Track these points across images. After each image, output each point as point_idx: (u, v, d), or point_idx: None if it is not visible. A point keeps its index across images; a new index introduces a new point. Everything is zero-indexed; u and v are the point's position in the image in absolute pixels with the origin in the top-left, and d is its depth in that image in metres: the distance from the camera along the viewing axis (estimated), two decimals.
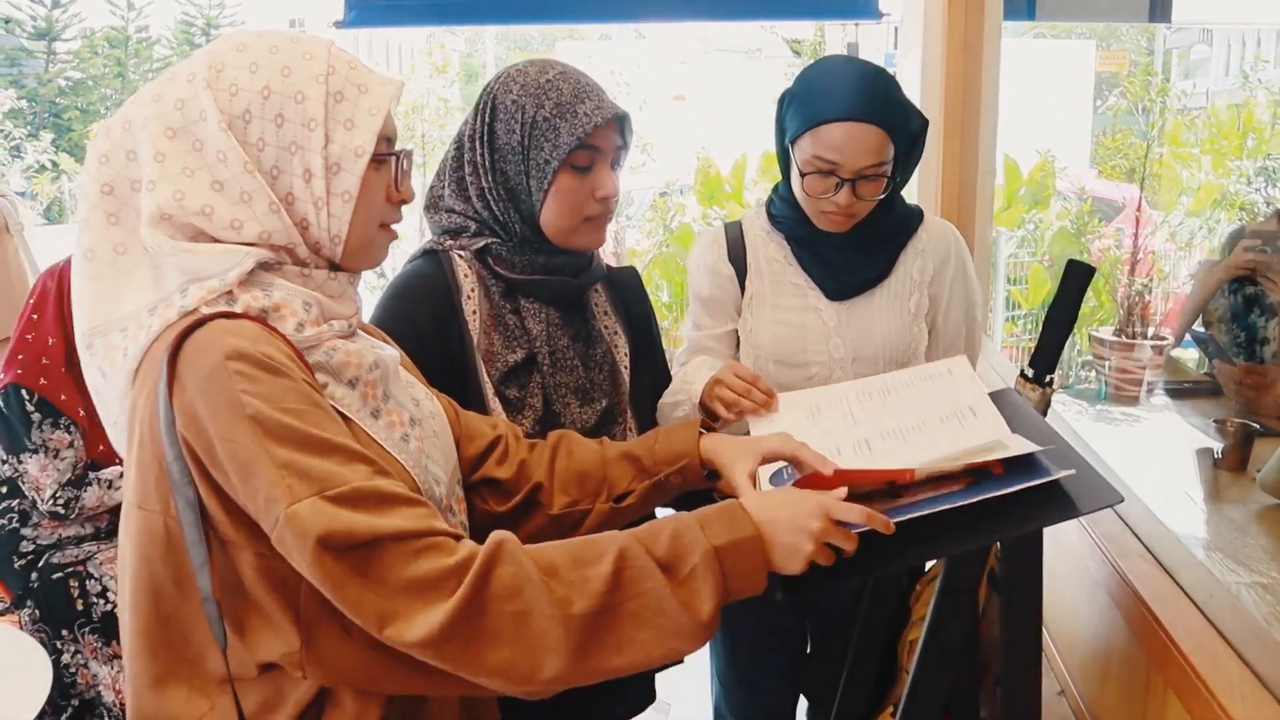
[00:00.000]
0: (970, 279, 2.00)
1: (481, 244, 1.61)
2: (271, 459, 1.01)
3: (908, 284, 1.93)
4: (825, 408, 1.57)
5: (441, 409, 1.37)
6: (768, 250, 1.95)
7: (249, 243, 1.12)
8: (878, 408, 1.54)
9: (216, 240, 1.12)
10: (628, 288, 1.81)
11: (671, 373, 1.92)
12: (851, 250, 1.90)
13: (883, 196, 1.81)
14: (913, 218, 1.96)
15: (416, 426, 1.23)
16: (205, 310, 1.08)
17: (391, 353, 1.26)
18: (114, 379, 1.14)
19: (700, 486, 1.45)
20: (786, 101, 1.85)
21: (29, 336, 2.73)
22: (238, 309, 1.09)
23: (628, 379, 1.72)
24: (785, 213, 1.92)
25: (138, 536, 1.08)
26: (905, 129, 1.80)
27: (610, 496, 1.41)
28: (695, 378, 1.73)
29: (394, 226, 1.26)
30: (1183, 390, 3.63)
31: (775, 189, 1.97)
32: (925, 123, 1.85)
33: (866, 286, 1.91)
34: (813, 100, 1.77)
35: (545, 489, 1.41)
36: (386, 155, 1.20)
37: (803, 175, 1.79)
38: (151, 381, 1.07)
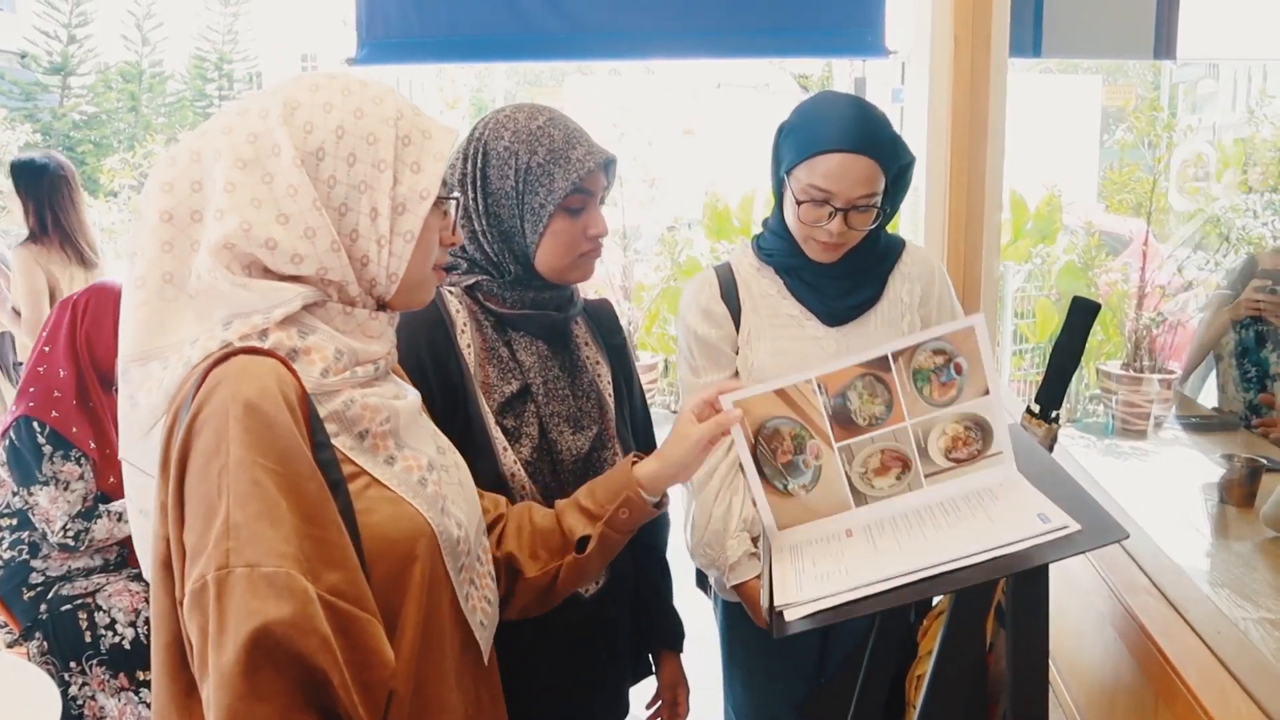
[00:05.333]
0: (954, 300, 2.06)
1: (472, 281, 1.65)
2: (224, 515, 1.00)
3: (899, 306, 1.98)
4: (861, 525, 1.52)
5: (465, 464, 1.39)
6: (760, 285, 1.99)
7: (305, 276, 1.15)
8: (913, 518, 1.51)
9: (270, 272, 1.14)
10: (603, 319, 1.85)
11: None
12: (842, 277, 1.94)
13: (872, 228, 1.87)
14: (895, 244, 2.02)
15: (434, 471, 1.23)
16: (236, 344, 1.10)
17: (410, 401, 1.27)
18: (144, 408, 1.15)
19: (651, 516, 1.46)
20: (783, 133, 1.91)
21: (41, 369, 2.75)
22: (267, 344, 1.11)
23: (612, 406, 1.75)
24: (775, 245, 1.96)
25: (158, 562, 1.08)
26: (895, 162, 1.85)
27: (571, 547, 1.44)
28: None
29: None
30: (1194, 425, 3.62)
31: (765, 223, 2.02)
32: (913, 159, 1.90)
33: (861, 310, 1.96)
34: (809, 132, 1.83)
35: (517, 558, 1.43)
36: (446, 198, 1.25)
37: (798, 204, 1.84)
38: (178, 409, 1.09)
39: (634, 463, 1.48)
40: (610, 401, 1.76)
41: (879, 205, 1.84)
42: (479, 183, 1.62)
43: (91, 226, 4.51)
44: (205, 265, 1.12)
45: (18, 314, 4.49)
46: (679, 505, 1.97)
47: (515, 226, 1.63)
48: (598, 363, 1.78)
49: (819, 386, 1.41)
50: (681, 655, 1.95)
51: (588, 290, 1.85)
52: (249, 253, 1.12)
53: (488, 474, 1.55)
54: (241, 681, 0.95)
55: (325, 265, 1.15)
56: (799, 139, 1.84)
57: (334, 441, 1.13)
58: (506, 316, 1.66)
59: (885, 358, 1.38)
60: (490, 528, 1.45)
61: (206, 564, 0.99)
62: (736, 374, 1.98)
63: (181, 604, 1.02)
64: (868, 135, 1.80)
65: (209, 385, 1.06)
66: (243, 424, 1.03)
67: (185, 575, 1.02)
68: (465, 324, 1.65)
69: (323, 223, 1.14)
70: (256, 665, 0.96)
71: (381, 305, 1.25)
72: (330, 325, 1.18)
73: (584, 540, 1.43)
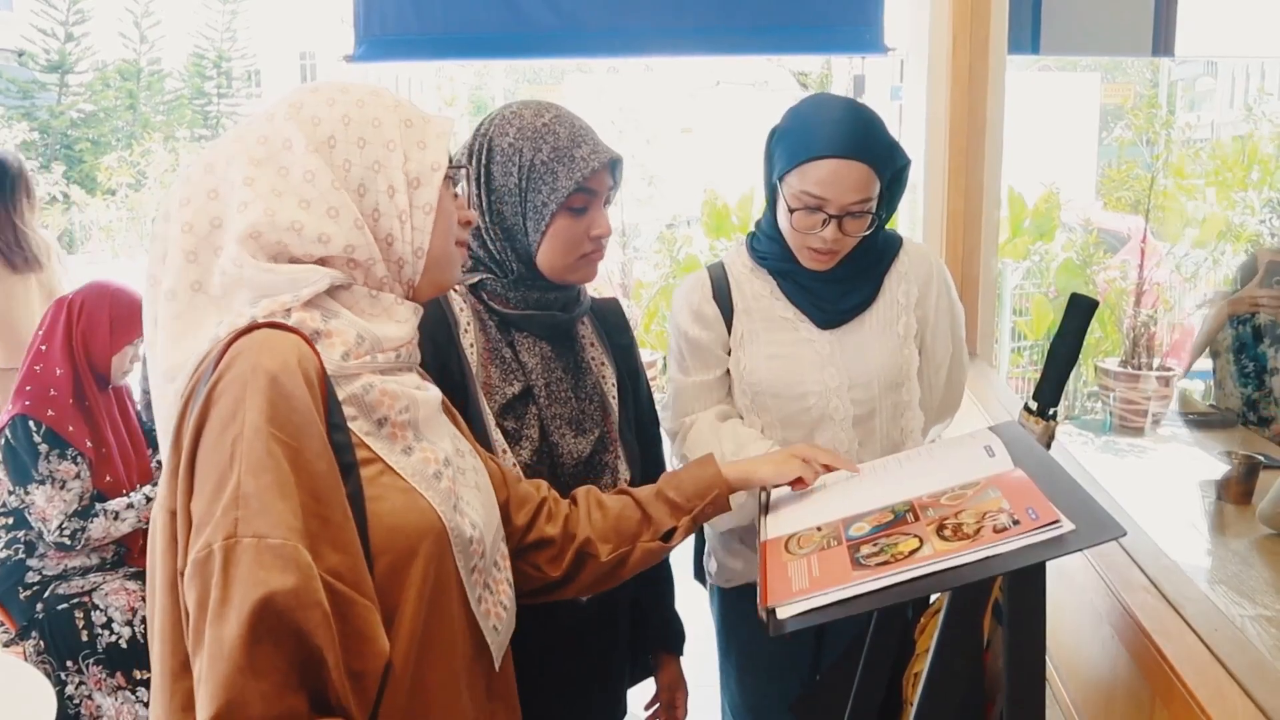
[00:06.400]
0: (953, 299, 2.03)
1: (476, 279, 1.64)
2: (235, 483, 0.99)
3: (894, 308, 1.95)
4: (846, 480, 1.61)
5: (485, 469, 1.39)
6: (753, 287, 1.97)
7: (332, 257, 1.16)
8: (896, 470, 1.57)
9: (297, 259, 1.15)
10: (610, 318, 1.83)
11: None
12: (837, 279, 1.91)
13: (867, 233, 1.83)
14: (893, 244, 1.98)
15: (450, 467, 1.23)
16: (261, 319, 1.10)
17: (432, 396, 1.27)
18: (171, 395, 1.15)
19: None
20: (775, 138, 1.88)
21: (37, 368, 2.75)
22: (291, 323, 1.11)
23: (616, 408, 1.74)
24: (769, 248, 1.94)
25: (163, 538, 1.07)
26: (890, 166, 1.82)
27: (655, 535, 1.53)
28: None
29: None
30: (1192, 421, 3.63)
31: (758, 224, 1.99)
32: (908, 161, 1.87)
33: (855, 313, 1.94)
34: (801, 137, 1.80)
35: (592, 542, 1.50)
36: (456, 168, 1.29)
37: (791, 211, 1.81)
38: (198, 378, 1.09)
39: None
40: (614, 404, 1.74)
41: (874, 211, 1.82)
42: (483, 179, 1.61)
43: (37, 231, 4.06)
44: (231, 255, 1.13)
45: None
46: None
47: (518, 224, 1.61)
48: (602, 364, 1.76)
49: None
50: (681, 656, 1.95)
51: (592, 288, 1.83)
52: (275, 240, 1.13)
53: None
54: (241, 654, 0.94)
55: (351, 243, 1.17)
56: (791, 144, 1.81)
57: (351, 425, 1.13)
58: (510, 316, 1.65)
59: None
60: (537, 513, 1.48)
61: (214, 532, 0.98)
62: (728, 373, 1.97)
63: (183, 574, 1.01)
64: (861, 140, 1.77)
65: (230, 355, 1.06)
66: (263, 394, 1.03)
67: (189, 544, 1.01)
68: (469, 323, 1.64)
69: (344, 201, 1.17)
70: (258, 638, 0.95)
71: (407, 296, 1.26)
72: (355, 310, 1.19)
73: (670, 532, 1.53)
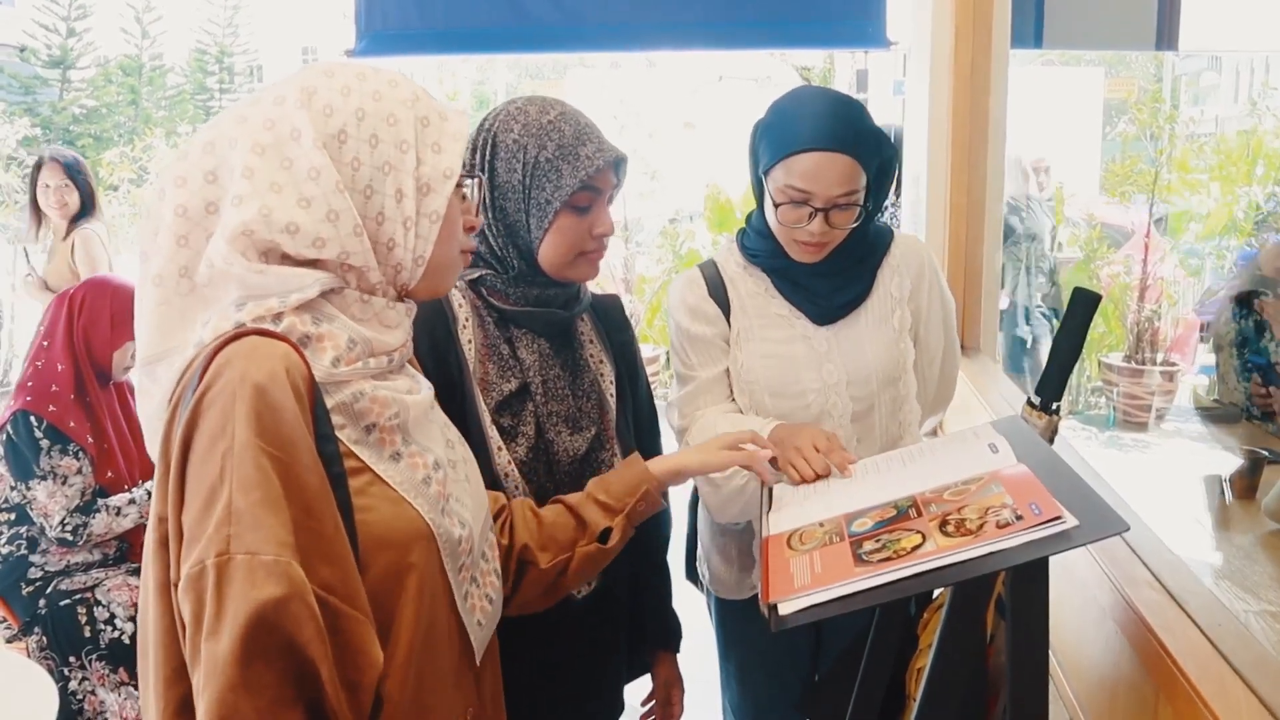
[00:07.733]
0: (944, 289, 2.02)
1: (476, 275, 1.63)
2: (226, 499, 0.99)
3: (888, 301, 1.94)
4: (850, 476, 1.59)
5: (473, 458, 1.38)
6: (747, 285, 1.95)
7: (325, 261, 1.13)
8: (898, 466, 1.56)
9: (289, 257, 1.12)
10: (610, 315, 1.82)
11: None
12: (831, 274, 1.90)
13: (855, 225, 1.82)
14: (884, 237, 1.97)
15: (440, 470, 1.22)
16: (249, 325, 1.08)
17: (423, 397, 1.25)
18: (158, 398, 1.13)
19: (658, 508, 1.54)
20: (759, 133, 1.86)
21: (39, 363, 2.75)
22: (280, 329, 1.09)
23: (614, 406, 1.73)
24: (760, 245, 1.92)
25: (156, 545, 1.06)
26: (876, 157, 1.80)
27: (592, 538, 1.48)
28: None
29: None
30: (1198, 416, 3.63)
31: (748, 220, 1.98)
32: (895, 151, 1.86)
33: (851, 308, 1.92)
34: (784, 131, 1.78)
35: (530, 549, 1.45)
36: (468, 177, 1.26)
37: (776, 206, 1.80)
38: (184, 387, 1.07)
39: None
40: (612, 402, 1.73)
41: (861, 203, 1.80)
42: (486, 174, 1.60)
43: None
44: (220, 252, 1.10)
45: (47, 288, 4.91)
46: (679, 517, 1.98)
47: (520, 221, 1.60)
48: (601, 361, 1.75)
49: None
50: (679, 653, 1.95)
51: (595, 284, 1.82)
52: (268, 239, 1.10)
53: (481, 473, 1.54)
54: (235, 671, 0.94)
55: (347, 249, 1.13)
56: (774, 138, 1.80)
57: (339, 435, 1.11)
58: (509, 313, 1.64)
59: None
60: (494, 517, 1.44)
61: (206, 548, 0.97)
62: (728, 371, 1.96)
63: (175, 586, 1.01)
64: (844, 131, 1.75)
65: (218, 364, 1.04)
66: (250, 407, 1.01)
67: (181, 558, 1.00)
68: (467, 319, 1.63)
69: (346, 205, 1.12)
70: (251, 654, 0.95)
71: (401, 296, 1.23)
72: (346, 313, 1.16)
73: (606, 532, 1.48)
